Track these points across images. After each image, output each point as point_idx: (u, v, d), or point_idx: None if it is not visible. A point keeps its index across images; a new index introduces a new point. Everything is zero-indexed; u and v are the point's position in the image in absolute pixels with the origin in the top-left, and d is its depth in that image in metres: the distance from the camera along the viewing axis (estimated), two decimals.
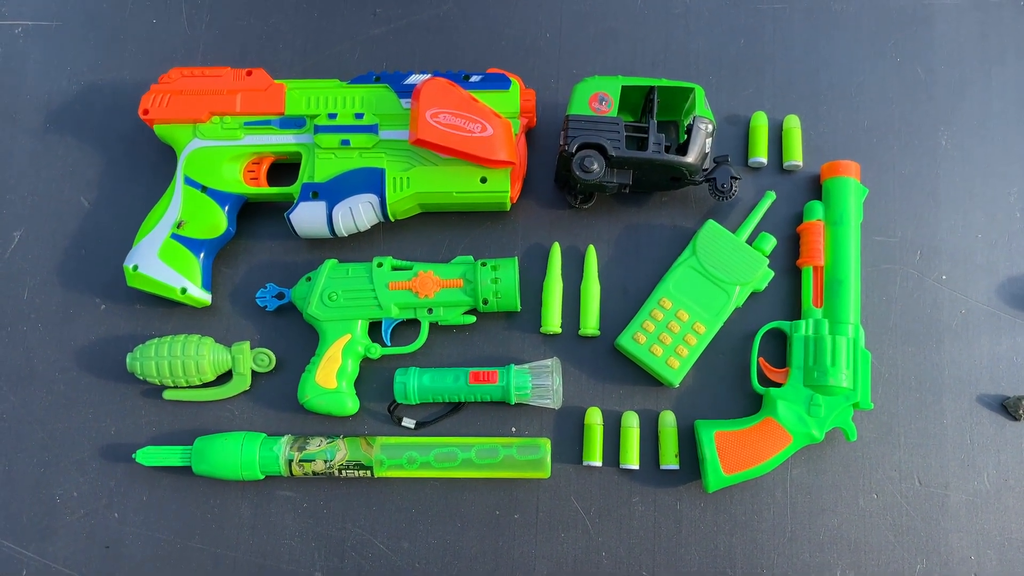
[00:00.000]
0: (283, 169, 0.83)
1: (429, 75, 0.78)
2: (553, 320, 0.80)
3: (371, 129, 0.78)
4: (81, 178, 0.84)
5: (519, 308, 0.79)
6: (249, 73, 0.80)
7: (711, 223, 0.80)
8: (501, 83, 0.78)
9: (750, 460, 0.75)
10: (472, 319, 0.80)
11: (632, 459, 0.78)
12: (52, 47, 0.88)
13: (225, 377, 0.80)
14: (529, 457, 0.76)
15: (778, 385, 0.78)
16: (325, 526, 0.78)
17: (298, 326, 0.81)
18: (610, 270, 0.82)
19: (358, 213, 0.77)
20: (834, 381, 0.75)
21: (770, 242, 0.80)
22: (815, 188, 0.83)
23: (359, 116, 0.78)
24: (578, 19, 0.88)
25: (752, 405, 0.79)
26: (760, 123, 0.84)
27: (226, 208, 0.78)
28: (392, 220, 0.80)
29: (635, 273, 0.82)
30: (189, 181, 0.78)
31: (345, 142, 0.77)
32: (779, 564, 0.77)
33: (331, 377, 0.77)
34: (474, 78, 0.79)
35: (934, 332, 0.81)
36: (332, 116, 0.78)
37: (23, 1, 0.89)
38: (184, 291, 0.77)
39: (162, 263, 0.77)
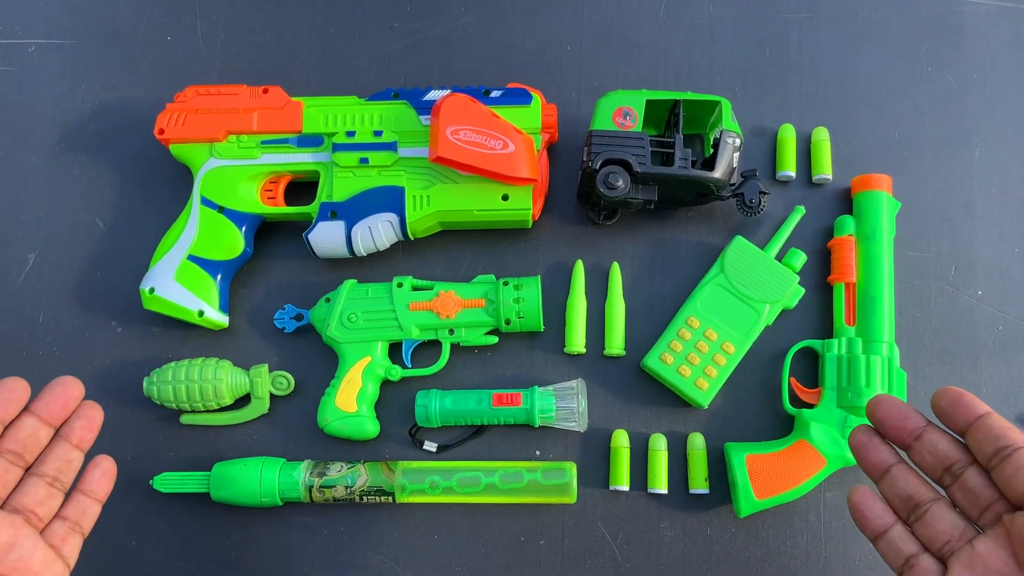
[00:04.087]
0: (301, 188, 0.81)
1: (448, 91, 0.77)
2: (577, 340, 0.78)
3: (390, 147, 0.76)
4: (96, 199, 0.83)
5: (542, 328, 0.78)
6: (266, 91, 0.78)
7: (739, 239, 0.78)
8: (522, 98, 0.77)
9: (783, 484, 0.73)
10: (494, 340, 0.78)
11: (660, 483, 0.76)
12: (66, 66, 0.87)
13: (243, 401, 0.78)
14: (554, 482, 0.74)
15: (811, 406, 0.76)
16: (347, 554, 0.76)
17: (317, 348, 0.79)
18: (635, 288, 0.80)
19: (377, 232, 0.76)
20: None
21: (800, 258, 0.78)
22: (846, 202, 0.81)
23: (378, 133, 0.77)
24: (599, 31, 0.86)
25: (784, 427, 0.77)
26: (788, 136, 0.82)
27: (243, 228, 0.77)
28: (412, 239, 0.78)
29: (661, 291, 0.80)
30: (206, 201, 0.77)
31: (364, 160, 0.76)
32: None
33: (351, 400, 0.76)
34: (494, 93, 0.77)
35: (971, 350, 0.78)
36: (350, 134, 0.77)
37: (36, 19, 0.88)
38: (201, 314, 0.76)
39: (179, 285, 0.75)
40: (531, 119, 0.77)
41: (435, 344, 0.79)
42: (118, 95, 0.86)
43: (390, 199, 0.76)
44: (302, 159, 0.77)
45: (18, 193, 0.84)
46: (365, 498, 0.74)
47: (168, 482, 0.75)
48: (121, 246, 0.82)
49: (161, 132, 0.77)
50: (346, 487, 0.74)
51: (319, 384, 0.78)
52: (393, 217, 0.76)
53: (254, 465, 0.75)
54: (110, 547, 0.77)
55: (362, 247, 0.76)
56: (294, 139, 0.77)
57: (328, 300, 0.78)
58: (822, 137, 0.82)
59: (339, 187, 0.76)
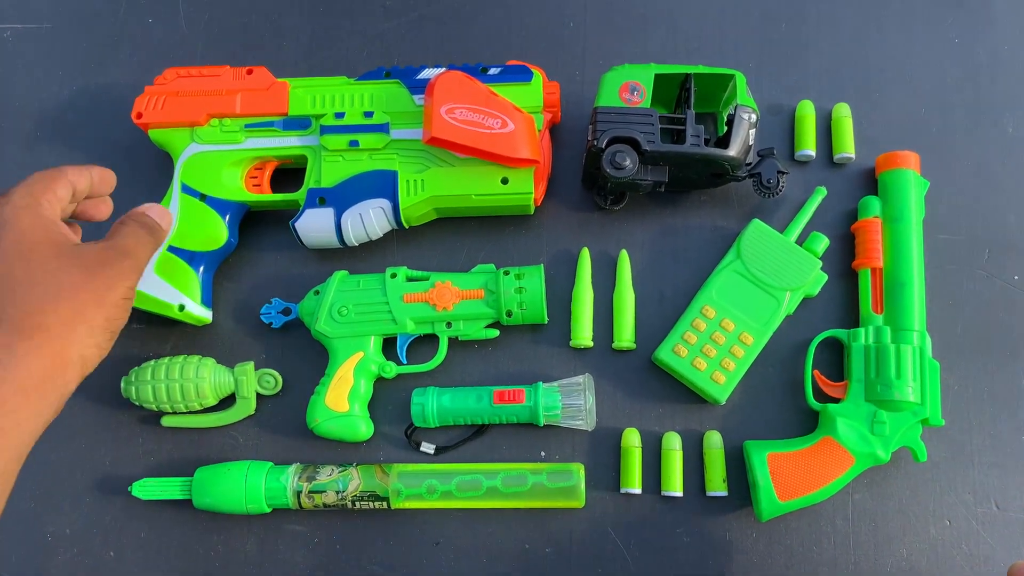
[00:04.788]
0: (288, 176, 0.77)
1: (444, 69, 0.73)
2: (584, 333, 0.73)
3: (382, 128, 0.72)
4: None
5: (546, 320, 0.73)
6: (250, 72, 0.74)
7: (756, 223, 0.73)
8: (522, 75, 0.73)
9: (807, 485, 0.68)
10: (495, 333, 0.73)
11: (675, 485, 0.71)
12: (43, 51, 0.83)
13: (228, 401, 0.74)
14: (561, 484, 0.69)
15: (836, 401, 0.71)
16: (338, 563, 0.71)
17: (306, 344, 0.74)
18: (645, 277, 0.75)
19: (369, 219, 0.72)
20: (900, 395, 0.68)
21: (822, 242, 0.73)
22: (870, 182, 0.76)
23: (368, 115, 0.72)
24: (603, 5, 0.82)
25: (808, 423, 0.72)
26: (807, 113, 0.77)
27: (227, 217, 0.73)
28: (406, 227, 0.74)
29: (673, 279, 0.75)
30: (187, 189, 0.72)
31: (354, 143, 0.72)
32: None
33: (342, 399, 0.71)
34: (492, 71, 0.73)
35: (1008, 339, 0.73)
36: (339, 115, 0.72)
37: (12, 2, 0.84)
38: (182, 308, 0.71)
39: (158, 278, 0.70)
40: (532, 97, 0.72)
41: (432, 338, 0.74)
42: (97, 80, 0.82)
43: (382, 184, 0.71)
44: (288, 143, 0.73)
45: None
46: (358, 504, 0.70)
47: (148, 488, 0.71)
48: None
49: (139, 116, 0.73)
50: (337, 492, 0.69)
51: (309, 382, 0.74)
52: (385, 203, 0.71)
53: (239, 470, 0.70)
54: (87, 557, 0.72)
55: (352, 236, 0.72)
56: (280, 122, 0.73)
57: (317, 293, 0.73)
58: (843, 113, 0.77)
59: (328, 172, 0.72)
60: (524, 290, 0.71)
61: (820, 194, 0.74)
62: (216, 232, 0.72)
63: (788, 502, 0.67)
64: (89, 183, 0.59)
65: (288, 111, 0.73)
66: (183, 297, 0.71)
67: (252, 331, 0.75)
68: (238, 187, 0.74)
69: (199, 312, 0.72)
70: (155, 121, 0.73)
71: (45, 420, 0.50)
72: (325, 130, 0.72)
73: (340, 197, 0.72)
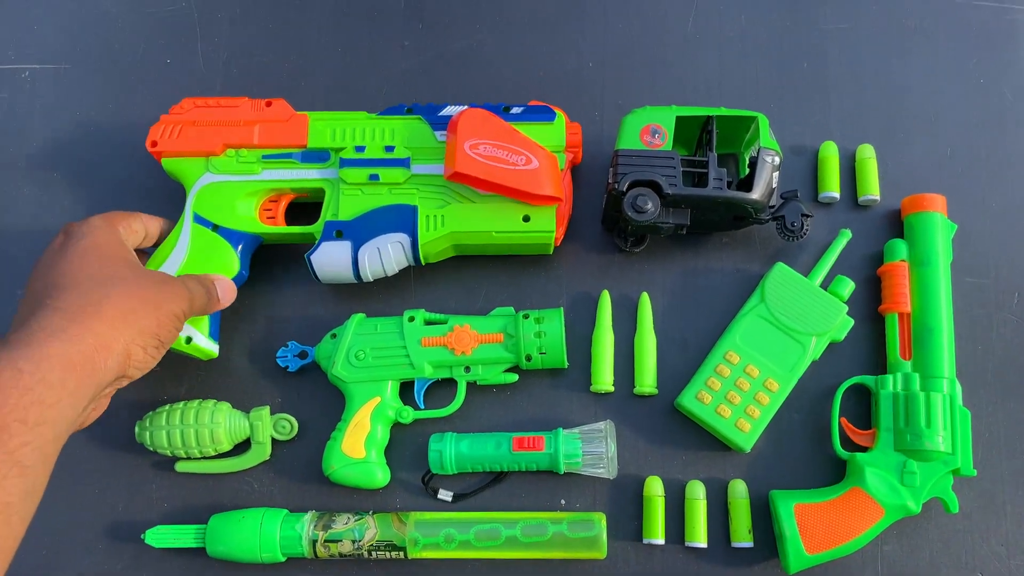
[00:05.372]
0: (301, 211, 0.76)
1: (465, 107, 0.72)
2: (604, 377, 0.73)
3: (402, 163, 0.71)
4: None
5: (566, 365, 0.72)
6: (269, 104, 0.74)
7: (780, 266, 0.72)
8: (545, 115, 0.72)
9: (836, 537, 0.66)
10: (514, 378, 0.72)
11: (699, 536, 0.69)
12: (61, 91, 0.83)
13: (243, 446, 0.73)
14: (582, 534, 0.68)
15: (865, 449, 0.70)
16: None
17: (322, 387, 0.73)
18: (667, 320, 0.74)
19: (387, 254, 0.70)
20: (930, 444, 0.66)
21: (848, 286, 0.72)
22: (896, 225, 0.75)
23: (389, 149, 0.72)
24: (623, 47, 0.81)
25: (835, 473, 0.71)
26: (830, 154, 0.76)
27: (239, 249, 0.71)
28: (423, 263, 0.73)
29: (695, 324, 0.74)
30: (199, 219, 0.71)
31: (374, 176, 0.71)
32: None
33: (359, 445, 0.70)
34: (515, 110, 0.73)
35: None
36: (360, 149, 0.72)
37: (30, 43, 0.84)
38: (189, 340, 0.69)
39: None
40: (555, 137, 0.72)
41: (450, 383, 0.73)
42: (114, 120, 0.82)
43: (401, 218, 0.71)
44: (306, 175, 0.72)
45: (6, 223, 0.79)
46: (374, 553, 0.68)
47: (161, 536, 0.70)
48: None
49: (154, 145, 0.72)
50: (353, 541, 0.68)
51: (324, 428, 0.73)
52: (404, 238, 0.70)
53: (254, 517, 0.69)
54: None
55: (369, 271, 0.71)
56: (298, 154, 0.72)
57: (334, 336, 0.72)
58: (868, 155, 0.76)
59: (346, 205, 0.71)
60: (544, 334, 0.70)
61: (845, 237, 0.73)
62: (228, 263, 0.71)
63: (817, 555, 0.66)
64: (159, 231, 0.70)
65: (307, 143, 0.72)
66: (191, 329, 0.69)
67: (267, 373, 0.75)
68: (252, 218, 0.73)
69: (206, 345, 0.71)
70: (170, 150, 0.72)
71: (82, 403, 0.52)
72: (345, 163, 0.72)
73: (358, 230, 0.71)
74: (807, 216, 0.71)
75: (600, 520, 0.69)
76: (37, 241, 0.78)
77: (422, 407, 0.73)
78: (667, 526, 0.70)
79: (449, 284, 0.76)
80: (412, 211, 0.71)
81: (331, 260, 0.70)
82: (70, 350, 0.51)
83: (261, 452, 0.72)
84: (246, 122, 0.73)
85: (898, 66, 0.80)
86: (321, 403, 0.74)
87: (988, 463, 0.70)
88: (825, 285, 0.73)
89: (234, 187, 0.72)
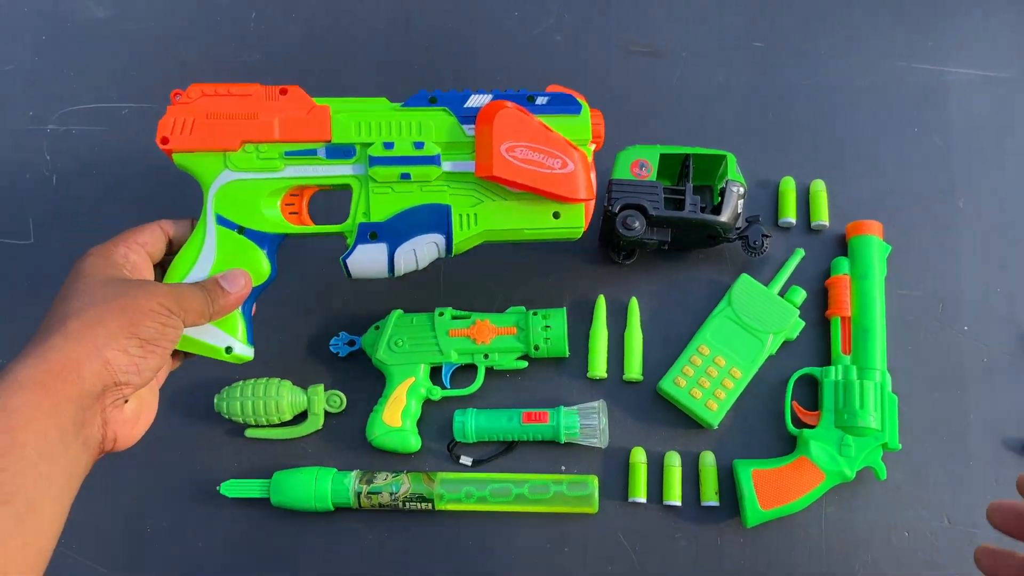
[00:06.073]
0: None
1: (489, 95, 0.71)
2: (599, 366, 0.87)
3: (433, 160, 0.69)
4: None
5: (567, 354, 0.86)
6: (283, 92, 0.69)
7: (745, 277, 0.87)
8: (571, 107, 0.72)
9: (786, 496, 0.80)
10: (524, 364, 0.87)
11: (675, 496, 0.83)
12: (154, 127, 0.99)
13: (301, 417, 0.88)
14: (578, 493, 0.82)
15: (810, 427, 0.84)
16: (389, 556, 0.84)
17: (367, 370, 0.88)
18: (652, 320, 0.89)
19: (421, 253, 0.70)
20: (863, 422, 0.81)
21: (800, 295, 0.87)
22: (841, 246, 0.90)
23: (419, 145, 0.69)
24: (620, 95, 0.97)
25: (786, 446, 0.85)
26: (789, 187, 0.91)
27: (267, 250, 0.69)
28: (453, 256, 0.73)
29: (675, 323, 0.89)
30: (222, 221, 0.67)
31: (405, 175, 0.69)
32: None
33: (396, 416, 0.85)
34: (539, 99, 0.71)
35: (958, 379, 0.86)
36: (388, 146, 0.69)
37: (129, 85, 1.01)
38: (230, 350, 0.68)
39: None
40: (581, 130, 0.71)
41: (471, 367, 0.88)
42: None
43: (436, 219, 0.69)
44: (333, 172, 0.69)
45: (110, 234, 0.95)
46: (407, 504, 0.83)
47: (233, 488, 0.84)
48: None
49: (165, 141, 0.68)
50: (390, 494, 0.83)
51: (368, 402, 0.87)
52: (439, 238, 0.70)
53: (309, 474, 0.84)
54: (180, 547, 0.85)
55: (403, 269, 0.71)
56: (323, 149, 0.69)
57: (377, 328, 0.88)
58: (820, 188, 0.91)
59: (377, 204, 0.69)
60: (549, 328, 0.85)
61: (799, 255, 0.88)
62: (257, 266, 0.68)
63: (770, 511, 0.80)
64: (188, 231, 0.67)
65: (331, 138, 0.69)
66: (230, 339, 0.68)
67: (322, 358, 0.89)
68: (278, 218, 0.70)
69: (243, 351, 0.69)
70: (183, 146, 0.68)
71: (68, 418, 0.52)
72: (375, 161, 0.68)
73: (393, 232, 0.69)
74: (767, 236, 0.86)
75: (593, 482, 0.83)
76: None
77: (448, 387, 0.87)
78: (648, 488, 0.84)
79: (473, 287, 0.90)
80: (446, 211, 0.69)
81: (367, 262, 0.70)
82: (35, 372, 0.50)
83: (316, 422, 0.87)
84: (264, 115, 0.68)
85: (848, 116, 0.95)
86: (365, 382, 0.88)
87: (913, 441, 0.84)
88: (782, 293, 0.87)
89: (257, 185, 0.68)
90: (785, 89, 0.96)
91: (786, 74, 0.97)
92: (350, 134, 0.69)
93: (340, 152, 0.69)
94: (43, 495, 0.49)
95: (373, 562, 0.84)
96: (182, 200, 0.95)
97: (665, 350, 0.88)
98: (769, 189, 0.93)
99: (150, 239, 0.65)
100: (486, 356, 0.86)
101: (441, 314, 0.87)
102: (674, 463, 0.84)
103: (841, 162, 0.93)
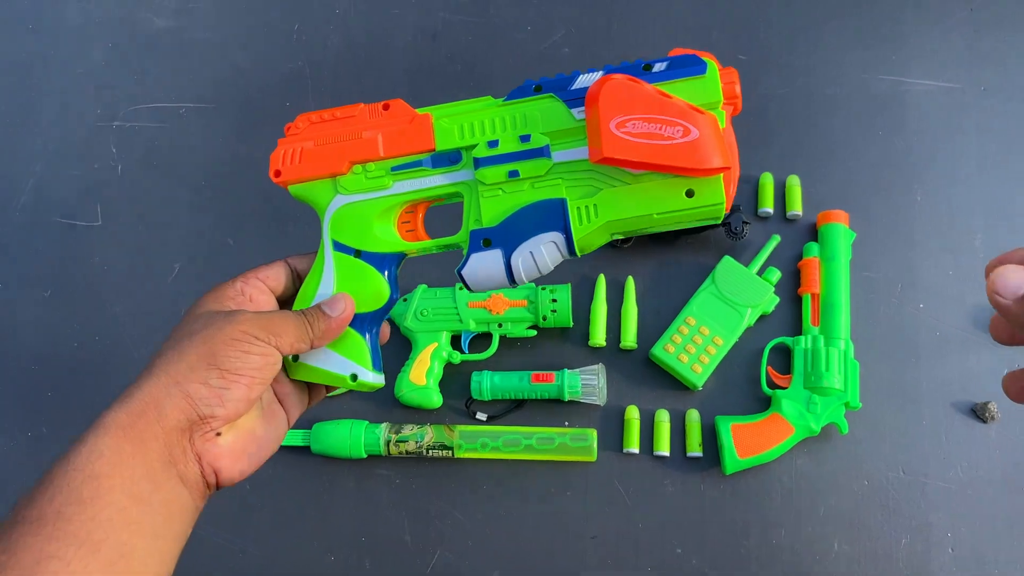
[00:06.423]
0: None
1: (600, 72, 0.61)
2: (599, 335, 0.99)
3: (542, 153, 0.61)
4: (227, 224, 1.08)
5: (572, 325, 0.98)
6: (386, 107, 0.65)
7: (727, 259, 0.99)
8: (694, 68, 0.59)
9: (760, 447, 0.92)
10: (533, 333, 0.99)
11: (664, 447, 0.95)
12: (209, 124, 1.13)
13: None
14: (579, 444, 0.94)
15: (783, 388, 0.95)
16: (414, 498, 0.96)
17: (395, 336, 1.01)
18: (645, 296, 1.01)
19: (541, 256, 0.61)
20: (828, 383, 0.93)
21: (776, 275, 0.99)
22: (812, 232, 1.02)
23: (525, 139, 0.61)
24: None
25: (762, 404, 0.97)
26: (767, 181, 1.04)
27: (386, 273, 0.63)
28: (579, 256, 0.62)
29: (665, 298, 1.01)
30: (339, 247, 0.64)
31: (513, 173, 0.61)
32: (786, 536, 0.93)
33: (421, 376, 0.97)
34: (657, 67, 0.59)
35: (913, 350, 0.98)
36: (493, 144, 0.62)
37: (187, 87, 1.14)
38: (355, 377, 0.63)
39: (327, 349, 0.62)
40: (709, 92, 0.58)
41: (487, 335, 1.00)
42: (248, 146, 1.11)
43: (551, 215, 0.60)
44: (440, 181, 0.64)
45: (169, 217, 1.08)
46: (431, 452, 0.95)
47: None
48: (246, 258, 1.06)
49: (278, 175, 0.65)
50: (416, 443, 0.95)
51: (396, 364, 1.00)
52: (558, 236, 0.60)
53: (345, 425, 0.96)
54: (228, 490, 0.97)
55: (524, 275, 0.62)
56: (428, 159, 0.64)
57: (405, 300, 1.00)
58: (795, 182, 1.03)
59: (487, 208, 0.62)
60: (556, 302, 0.97)
61: (775, 240, 1.01)
62: (379, 289, 0.63)
63: (746, 459, 0.92)
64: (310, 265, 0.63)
65: (435, 146, 0.63)
66: (355, 366, 0.63)
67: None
68: (394, 238, 0.65)
69: (370, 379, 0.63)
70: (295, 177, 0.65)
71: (156, 456, 0.51)
72: (480, 163, 0.62)
73: (506, 236, 0.62)
74: (747, 224, 0.98)
75: (592, 435, 0.95)
76: (191, 229, 1.07)
77: (466, 351, 0.99)
78: (640, 440, 0.96)
79: None
80: (561, 205, 0.60)
81: (483, 272, 0.62)
82: (119, 415, 0.50)
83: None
84: (367, 133, 0.64)
85: (820, 120, 1.07)
86: (394, 347, 1.01)
87: (873, 402, 0.95)
88: (760, 273, 1.00)
89: (368, 206, 0.65)
90: (765, 96, 1.09)
91: (767, 83, 1.09)
92: (453, 139, 0.63)
93: (445, 159, 0.64)
94: (136, 538, 0.48)
95: (398, 505, 0.96)
96: (234, 191, 1.09)
97: (656, 321, 1.00)
98: (750, 183, 1.05)
99: (271, 273, 0.62)
100: (500, 325, 0.99)
101: (461, 288, 0.99)
102: (663, 419, 0.96)
103: (814, 160, 1.06)
